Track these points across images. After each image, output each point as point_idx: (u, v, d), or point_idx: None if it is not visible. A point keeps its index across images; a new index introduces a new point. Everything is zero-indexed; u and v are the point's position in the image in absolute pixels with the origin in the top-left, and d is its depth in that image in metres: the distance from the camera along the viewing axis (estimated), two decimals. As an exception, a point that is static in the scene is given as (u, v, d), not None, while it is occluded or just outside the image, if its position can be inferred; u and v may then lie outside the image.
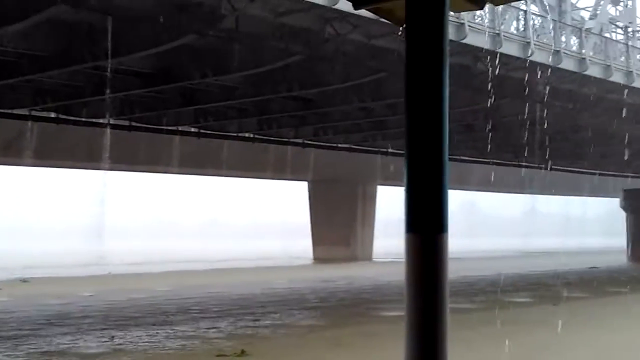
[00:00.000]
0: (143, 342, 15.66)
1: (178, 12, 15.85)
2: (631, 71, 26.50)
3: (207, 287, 29.24)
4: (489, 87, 21.28)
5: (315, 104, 24.84)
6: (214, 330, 17.57)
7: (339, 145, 33.96)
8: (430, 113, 2.37)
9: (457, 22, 19.70)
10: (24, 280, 31.32)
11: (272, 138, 31.21)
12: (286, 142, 31.85)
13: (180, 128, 28.29)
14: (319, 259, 48.36)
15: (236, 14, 15.95)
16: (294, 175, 44.53)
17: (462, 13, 19.78)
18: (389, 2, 2.75)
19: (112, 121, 24.90)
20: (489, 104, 22.85)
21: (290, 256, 52.45)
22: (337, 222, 48.18)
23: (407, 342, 2.36)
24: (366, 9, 3.17)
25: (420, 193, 2.37)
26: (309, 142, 32.69)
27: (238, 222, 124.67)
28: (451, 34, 19.55)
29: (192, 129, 28.88)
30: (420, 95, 2.38)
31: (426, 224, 2.37)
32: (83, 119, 25.16)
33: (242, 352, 13.90)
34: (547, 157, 34.17)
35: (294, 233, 70.43)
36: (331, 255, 46.66)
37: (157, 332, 17.04)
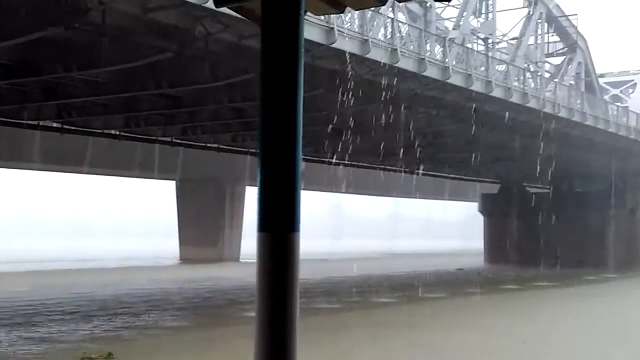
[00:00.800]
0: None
1: (41, 3, 15.26)
2: (490, 81, 27.76)
3: (69, 287, 28.28)
4: (358, 92, 21.76)
5: (184, 103, 24.50)
6: (79, 332, 17.01)
7: (208, 144, 33.66)
8: (284, 113, 2.42)
9: (327, 27, 19.99)
10: None
11: (139, 136, 30.55)
12: (154, 140, 31.24)
13: (42, 123, 27.19)
14: (186, 259, 47.74)
15: (102, 8, 15.54)
16: (162, 174, 43.75)
17: (332, 18, 20.13)
18: (249, 1, 2.79)
19: (-33, 114, 23.66)
20: (356, 108, 23.36)
21: (157, 256, 51.49)
22: (205, 222, 47.75)
23: (257, 340, 2.41)
24: (229, 8, 3.19)
25: (272, 192, 2.42)
26: (178, 141, 32.22)
27: (104, 220, 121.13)
28: (320, 38, 19.89)
29: (55, 124, 27.82)
30: (274, 95, 2.43)
31: (278, 223, 2.42)
32: None
33: (109, 354, 13.51)
34: (411, 161, 35.29)
35: (161, 233, 69.25)
36: (198, 256, 46.18)
37: (18, 336, 16.31)
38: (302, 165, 2.43)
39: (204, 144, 33.55)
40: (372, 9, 22.13)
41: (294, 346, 2.42)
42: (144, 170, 40.44)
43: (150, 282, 30.89)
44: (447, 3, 30.22)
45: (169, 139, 31.48)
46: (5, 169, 43.11)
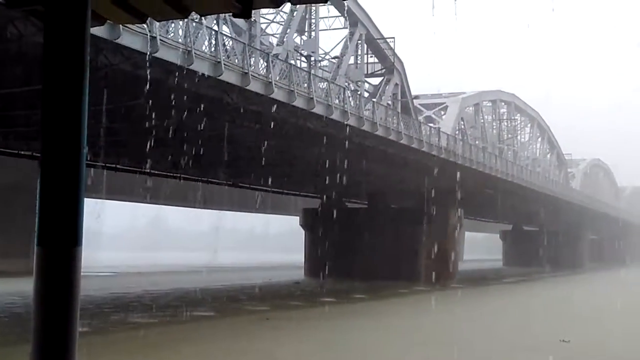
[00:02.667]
0: None
1: None
2: (312, 97, 28.37)
3: None
4: (181, 103, 21.48)
5: (-6, 107, 23.13)
6: None
7: (21, 152, 31.94)
8: (67, 119, 2.30)
9: (149, 36, 19.63)
10: None
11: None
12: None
13: None
14: (-6, 272, 44.92)
15: None
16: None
17: (155, 27, 19.78)
18: (40, 4, 2.66)
19: None
20: (179, 120, 23.07)
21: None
22: (15, 232, 45.18)
23: (32, 358, 2.26)
24: (24, 10, 3.03)
25: (53, 203, 2.29)
26: (-14, 147, 30.35)
27: None
28: (142, 47, 19.50)
29: None
30: (57, 100, 2.31)
31: (59, 236, 2.29)
32: None
33: None
34: (234, 174, 35.32)
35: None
36: (7, 269, 43.59)
37: None
38: (85, 174, 2.32)
39: (16, 151, 31.81)
40: (197, 20, 22.00)
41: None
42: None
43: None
44: (264, 19, 30.62)
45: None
46: None
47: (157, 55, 20.15)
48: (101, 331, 19.22)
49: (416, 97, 47.34)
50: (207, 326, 21.96)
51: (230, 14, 2.79)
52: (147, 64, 19.59)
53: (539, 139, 72.66)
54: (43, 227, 2.29)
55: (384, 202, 48.20)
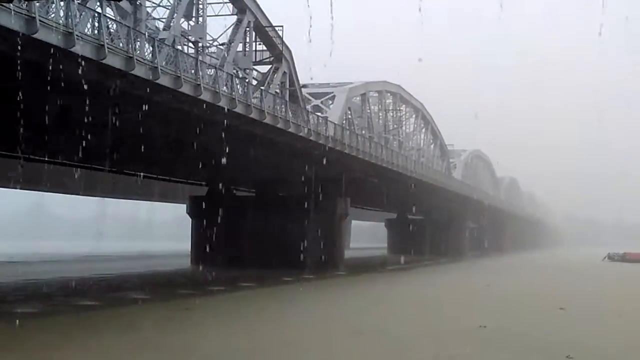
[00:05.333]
0: None
1: None
2: (199, 84, 28.01)
3: None
4: (62, 87, 20.75)
5: None
6: None
7: None
8: None
9: (28, 16, 18.88)
10: None
11: None
12: None
13: None
14: None
15: None
16: None
17: (34, 7, 19.02)
18: None
19: None
20: (60, 104, 22.32)
21: None
22: None
23: None
24: None
25: None
26: None
27: None
28: (21, 27, 18.72)
29: None
30: None
31: None
32: None
33: None
34: (119, 160, 34.46)
35: None
36: None
37: None
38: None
39: None
40: (79, 1, 21.30)
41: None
42: None
43: None
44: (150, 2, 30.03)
45: None
46: None
47: (35, 36, 19.41)
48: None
49: (304, 86, 47.56)
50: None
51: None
52: (24, 45, 18.84)
53: (423, 130, 74.49)
54: None
55: (273, 190, 48.28)
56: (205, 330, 19.01)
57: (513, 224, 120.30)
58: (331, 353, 16.10)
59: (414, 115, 70.27)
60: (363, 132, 53.46)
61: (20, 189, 45.15)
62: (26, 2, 18.61)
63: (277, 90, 39.53)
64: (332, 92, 52.37)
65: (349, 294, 33.00)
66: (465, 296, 31.85)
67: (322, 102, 51.61)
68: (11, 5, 17.92)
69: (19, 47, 18.96)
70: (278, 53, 39.82)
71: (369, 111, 57.57)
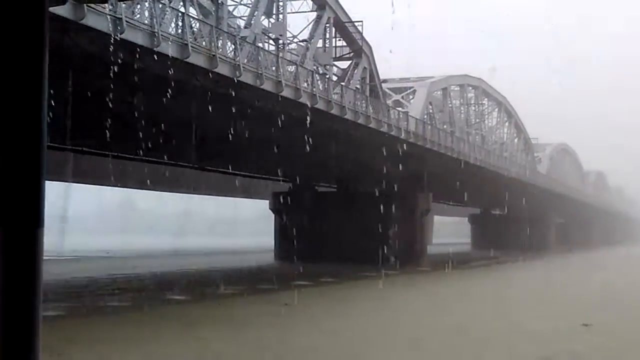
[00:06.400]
0: None
1: None
2: (280, 81, 28.25)
3: None
4: (148, 86, 21.28)
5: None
6: None
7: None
8: (27, 98, 2.26)
9: (115, 17, 19.39)
10: None
11: None
12: None
13: None
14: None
15: None
16: None
17: (121, 8, 19.54)
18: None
19: None
20: (147, 102, 22.86)
21: None
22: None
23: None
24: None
25: (13, 184, 2.25)
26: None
27: None
28: (108, 28, 19.25)
29: None
30: (15, 83, 2.27)
31: (20, 217, 2.26)
32: None
33: None
34: (202, 157, 35.10)
35: None
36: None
37: None
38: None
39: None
40: (163, 1, 21.77)
41: (37, 350, 2.27)
42: None
43: None
44: (232, 1, 30.32)
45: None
46: None
47: (123, 36, 19.93)
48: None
49: (384, 81, 47.38)
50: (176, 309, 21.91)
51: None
52: (113, 45, 19.37)
53: (506, 124, 73.20)
54: (3, 208, 2.25)
55: (354, 186, 48.30)
56: (327, 324, 18.85)
57: (601, 219, 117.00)
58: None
59: (496, 109, 69.14)
60: (444, 126, 52.90)
61: (110, 185, 46.51)
62: (116, 3, 19.12)
63: (358, 86, 39.50)
64: (413, 87, 52.01)
65: (439, 289, 32.46)
66: (560, 293, 30.85)
67: (402, 97, 51.32)
68: (100, 6, 18.47)
69: (107, 48, 19.55)
70: (358, 48, 39.79)
71: (450, 105, 56.92)
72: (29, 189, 2.25)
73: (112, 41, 19.38)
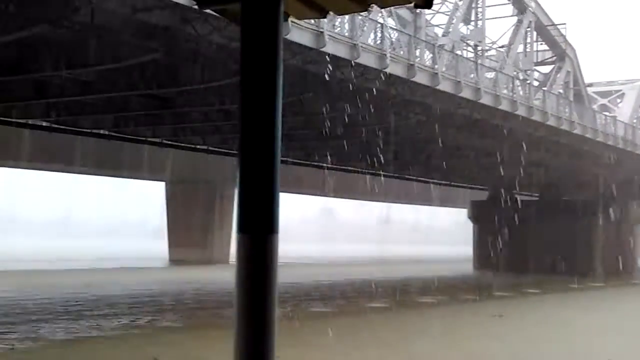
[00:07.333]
0: None
1: (29, 0, 15.20)
2: (479, 88, 27.80)
3: (60, 287, 28.29)
4: (347, 97, 21.78)
5: (173, 104, 24.47)
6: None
7: (198, 146, 33.60)
8: (264, 114, 2.42)
9: (317, 31, 20.00)
10: None
11: (128, 136, 30.46)
12: (143, 140, 31.16)
13: (30, 121, 27.09)
14: (175, 260, 47.63)
15: (91, 7, 15.49)
16: (151, 174, 43.68)
17: (321, 22, 20.13)
18: (232, 3, 2.78)
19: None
20: (345, 113, 23.40)
21: (147, 257, 51.19)
22: (194, 223, 47.66)
23: (236, 341, 2.39)
24: (212, 9, 3.18)
25: (251, 194, 2.41)
26: (167, 141, 32.14)
27: (93, 220, 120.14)
28: (310, 42, 19.91)
29: (44, 123, 27.72)
30: (254, 97, 2.43)
31: (257, 224, 2.41)
32: None
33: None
34: (401, 166, 35.34)
35: (150, 234, 68.91)
36: (187, 257, 46.08)
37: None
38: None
39: (193, 146, 33.47)
40: (363, 14, 22.15)
41: (272, 348, 2.41)
42: (133, 170, 40.36)
43: (144, 284, 30.80)
44: (430, 10, 30.20)
45: (158, 140, 31.41)
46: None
47: (324, 49, 20.50)
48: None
49: (590, 84, 45.30)
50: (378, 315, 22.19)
51: (411, 4, 2.76)
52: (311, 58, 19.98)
53: None
54: (243, 216, 2.42)
55: (557, 194, 46.53)
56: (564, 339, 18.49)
57: None
58: None
59: None
60: (657, 131, 49.59)
61: (313, 195, 47.99)
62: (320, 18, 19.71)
63: (560, 91, 38.04)
64: (621, 90, 49.26)
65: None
66: None
67: (609, 101, 48.76)
68: (301, 22, 19.13)
69: (307, 60, 20.23)
70: (561, 52, 38.35)
71: (663, 108, 53.27)
72: (266, 200, 2.41)
73: (311, 54, 19.99)
